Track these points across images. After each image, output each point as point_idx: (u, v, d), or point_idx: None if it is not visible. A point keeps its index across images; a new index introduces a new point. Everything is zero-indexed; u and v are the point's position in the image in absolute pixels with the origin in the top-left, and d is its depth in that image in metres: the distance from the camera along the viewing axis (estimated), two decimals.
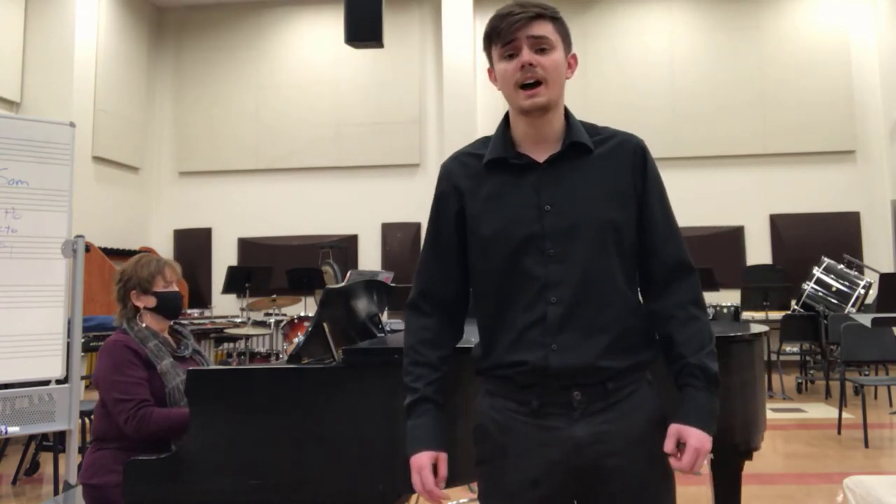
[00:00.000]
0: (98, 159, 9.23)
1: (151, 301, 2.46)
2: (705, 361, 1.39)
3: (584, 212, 1.39)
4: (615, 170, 1.43)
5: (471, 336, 1.56)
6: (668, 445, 1.36)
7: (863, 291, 7.08)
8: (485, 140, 1.50)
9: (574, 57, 1.46)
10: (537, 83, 1.38)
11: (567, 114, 1.47)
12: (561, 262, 1.37)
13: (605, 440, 1.35)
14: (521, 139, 1.45)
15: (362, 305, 2.45)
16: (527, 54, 1.38)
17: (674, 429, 1.37)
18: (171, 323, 2.57)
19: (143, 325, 2.44)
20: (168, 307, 2.49)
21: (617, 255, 1.40)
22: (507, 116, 1.50)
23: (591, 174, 1.42)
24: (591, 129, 1.47)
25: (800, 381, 7.39)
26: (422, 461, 1.41)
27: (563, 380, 1.36)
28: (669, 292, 1.44)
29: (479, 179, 1.45)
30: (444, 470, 1.43)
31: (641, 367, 1.43)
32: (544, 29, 1.39)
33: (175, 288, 2.52)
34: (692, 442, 1.34)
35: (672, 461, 1.37)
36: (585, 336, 1.36)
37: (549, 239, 1.38)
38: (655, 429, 1.40)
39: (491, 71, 1.47)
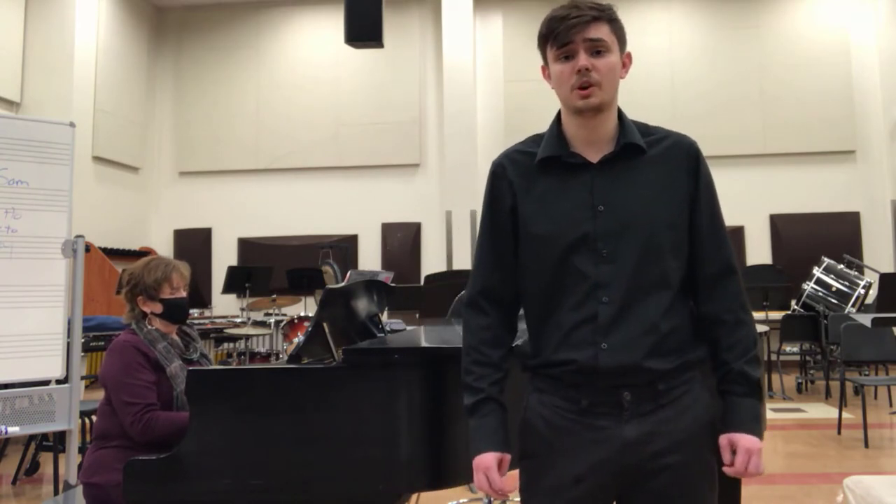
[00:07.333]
0: (98, 159, 9.24)
1: (158, 307, 2.46)
2: (746, 368, 1.40)
3: (638, 213, 1.39)
4: (669, 171, 1.43)
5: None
6: (726, 457, 1.38)
7: (863, 291, 7.08)
8: (535, 138, 1.49)
9: (629, 56, 1.45)
10: (591, 85, 1.37)
11: (620, 114, 1.46)
12: (612, 263, 1.37)
13: (655, 440, 1.36)
14: (573, 139, 1.44)
15: (362, 305, 2.45)
16: (583, 59, 1.37)
17: (724, 440, 1.39)
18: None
19: (153, 327, 2.45)
20: (174, 313, 2.49)
21: (669, 256, 1.40)
22: (559, 115, 1.48)
23: (645, 175, 1.41)
24: (644, 128, 1.47)
25: (800, 381, 7.38)
26: (488, 462, 1.41)
27: (613, 379, 1.36)
28: (717, 295, 1.44)
29: (532, 177, 1.45)
30: (505, 471, 1.44)
31: (692, 366, 1.42)
32: (601, 31, 1.38)
33: (182, 294, 2.51)
34: (742, 444, 1.36)
35: (727, 469, 1.38)
36: (636, 336, 1.36)
37: (601, 239, 1.38)
38: (704, 429, 1.40)
39: (545, 69, 1.46)
